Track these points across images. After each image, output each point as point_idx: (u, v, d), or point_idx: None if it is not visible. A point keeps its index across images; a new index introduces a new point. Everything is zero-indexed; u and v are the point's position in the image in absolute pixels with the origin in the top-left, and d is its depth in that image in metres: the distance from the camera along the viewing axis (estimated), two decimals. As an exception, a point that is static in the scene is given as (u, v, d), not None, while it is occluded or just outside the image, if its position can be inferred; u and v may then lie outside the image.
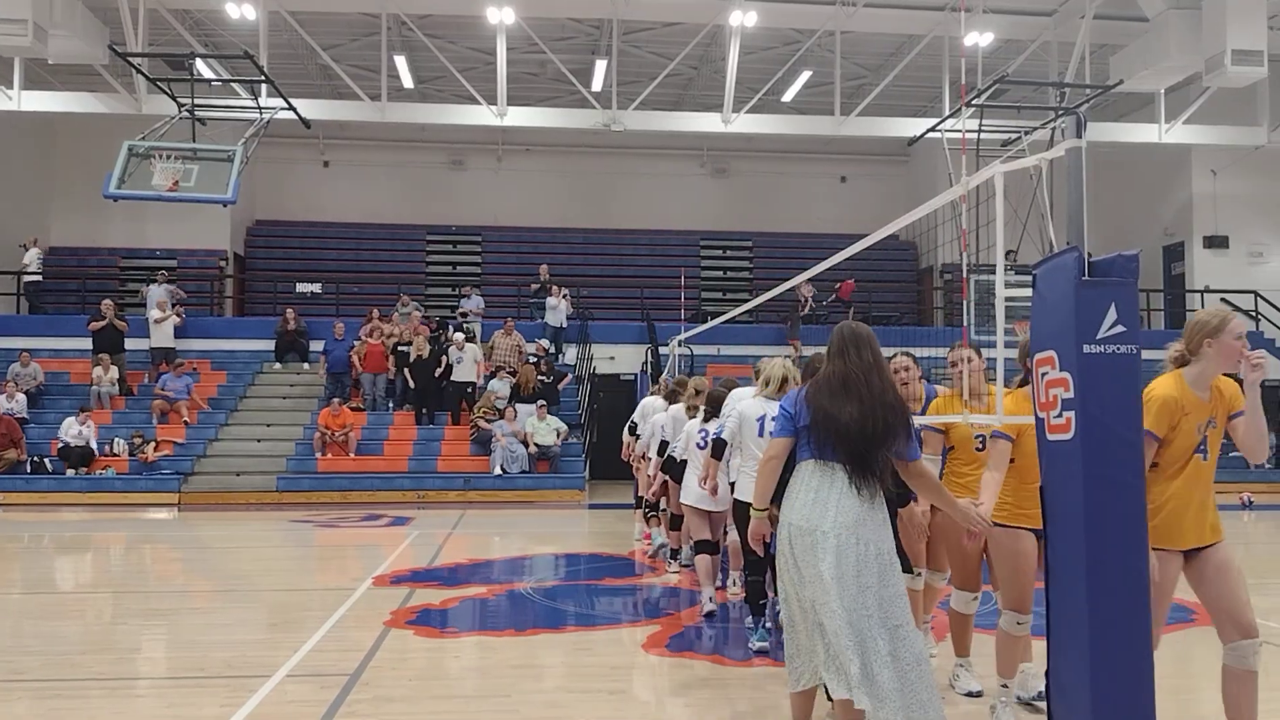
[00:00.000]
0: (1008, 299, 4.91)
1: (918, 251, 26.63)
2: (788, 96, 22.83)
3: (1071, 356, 3.87)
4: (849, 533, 4.01)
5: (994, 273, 5.02)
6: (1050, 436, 4.03)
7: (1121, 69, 18.89)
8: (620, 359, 21.43)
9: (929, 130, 18.93)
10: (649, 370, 19.29)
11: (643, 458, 10.65)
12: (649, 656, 6.40)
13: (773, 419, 4.97)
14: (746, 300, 16.94)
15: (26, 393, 18.35)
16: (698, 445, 7.62)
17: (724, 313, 17.35)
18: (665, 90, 22.32)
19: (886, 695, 3.85)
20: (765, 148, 26.51)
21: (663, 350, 19.60)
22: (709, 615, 7.39)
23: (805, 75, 21.74)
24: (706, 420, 7.59)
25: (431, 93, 23.85)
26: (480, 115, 20.56)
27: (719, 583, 8.08)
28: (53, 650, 6.61)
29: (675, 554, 9.61)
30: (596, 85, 21.64)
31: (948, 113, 19.86)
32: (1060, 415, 3.95)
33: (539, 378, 19.01)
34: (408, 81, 22.41)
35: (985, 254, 5.80)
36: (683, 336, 17.43)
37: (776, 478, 4.36)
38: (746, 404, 6.58)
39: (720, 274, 27.20)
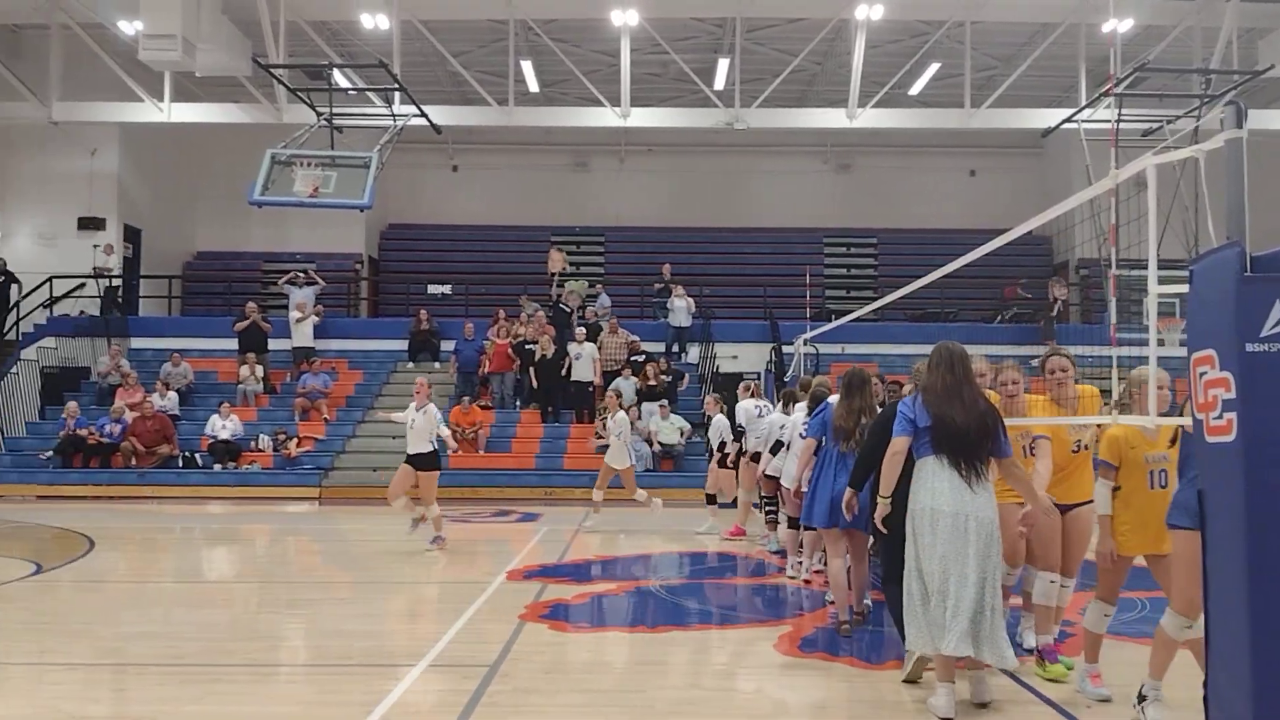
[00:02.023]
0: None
1: (1052, 247, 25.79)
2: (915, 90, 22.40)
3: (1233, 356, 3.72)
4: (966, 514, 4.98)
5: (1143, 269, 4.85)
6: (1209, 439, 3.87)
7: (1272, 54, 17.93)
8: (743, 358, 21.35)
9: (1065, 121, 18.33)
10: (773, 369, 19.18)
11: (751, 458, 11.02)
12: (781, 656, 6.38)
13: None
14: (872, 298, 16.70)
15: (178, 391, 19.33)
16: (800, 435, 8.45)
17: (848, 311, 17.14)
18: (788, 87, 22.14)
19: (986, 641, 4.93)
20: (890, 142, 26.06)
21: (786, 349, 19.47)
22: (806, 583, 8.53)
23: (933, 67, 21.30)
24: (810, 413, 8.09)
25: (556, 96, 24.20)
26: (604, 117, 20.78)
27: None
28: (206, 637, 6.96)
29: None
30: (719, 84, 21.63)
31: (1084, 102, 19.21)
32: (1220, 416, 3.79)
33: (661, 376, 19.08)
34: (533, 85, 22.80)
35: (1134, 249, 5.60)
36: (808, 335, 17.26)
37: (900, 470, 5.29)
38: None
39: (844, 271, 26.86)
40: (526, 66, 21.70)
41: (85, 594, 8.90)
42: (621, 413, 13.80)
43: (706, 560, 10.68)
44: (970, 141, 25.45)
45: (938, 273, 9.99)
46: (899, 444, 5.27)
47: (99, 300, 22.00)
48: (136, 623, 7.59)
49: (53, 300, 22.07)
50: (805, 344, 17.80)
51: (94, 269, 21.76)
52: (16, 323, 21.59)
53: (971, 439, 5.08)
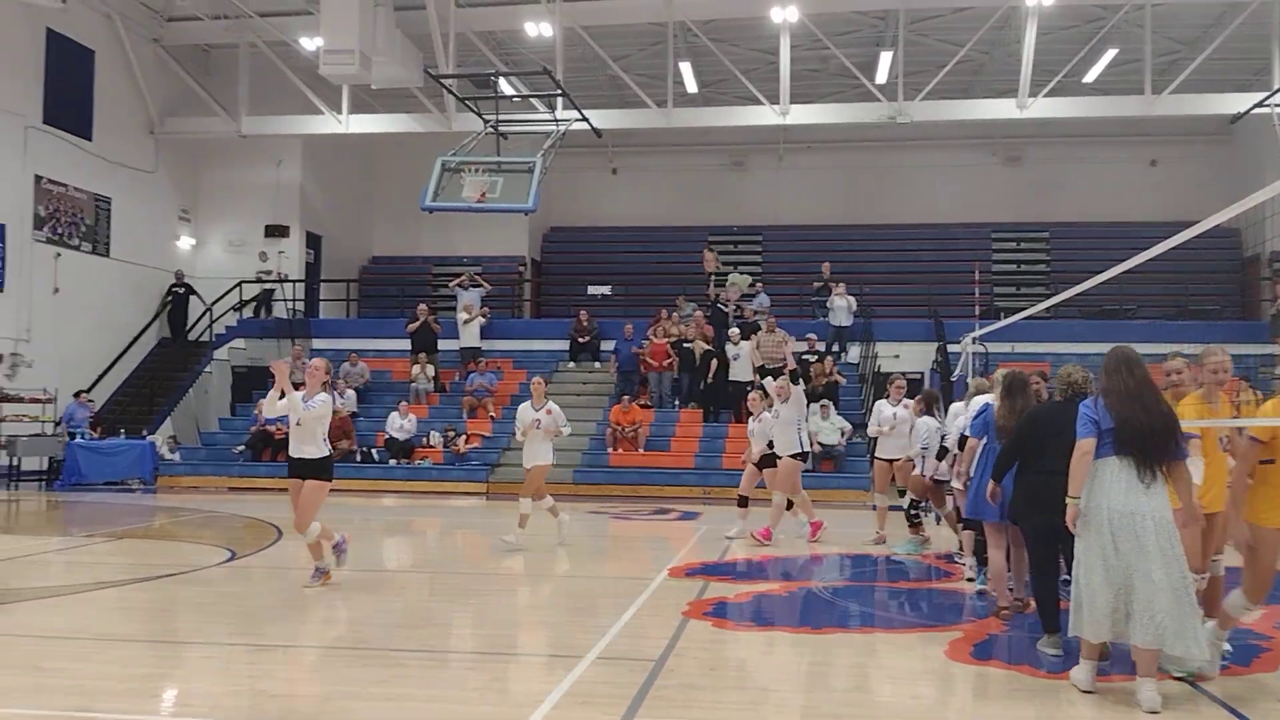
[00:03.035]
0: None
1: (1241, 239, 24.24)
2: (1089, 77, 21.45)
3: None
4: (1143, 514, 5.16)
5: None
6: None
7: None
8: (906, 357, 20.88)
9: (1256, 105, 17.19)
10: (938, 369, 18.68)
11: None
12: (952, 663, 6.21)
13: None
14: (1043, 295, 16.05)
15: (355, 389, 20.27)
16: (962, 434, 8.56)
17: (1019, 309, 16.52)
18: (953, 78, 21.55)
19: (1173, 634, 5.05)
20: (1063, 132, 25.03)
21: (952, 348, 18.93)
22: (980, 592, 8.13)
23: (1110, 53, 20.35)
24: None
25: (714, 96, 24.24)
26: (763, 115, 20.70)
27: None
28: (383, 623, 7.28)
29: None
30: (881, 78, 21.23)
31: (1278, 85, 17.98)
32: None
33: (825, 376, 18.86)
34: (691, 86, 22.91)
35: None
36: (977, 334, 16.73)
37: (1086, 470, 5.37)
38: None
39: (1014, 267, 25.94)
40: (685, 68, 21.82)
41: (273, 580, 9.43)
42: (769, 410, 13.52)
43: (871, 563, 10.50)
44: (1150, 130, 24.21)
45: (1117, 268, 9.54)
46: (1086, 445, 5.38)
47: (284, 304, 23.33)
48: (320, 608, 8.00)
49: (242, 304, 23.51)
50: (973, 343, 17.25)
51: (257, 274, 23.17)
52: (210, 325, 23.10)
53: (1153, 441, 5.24)
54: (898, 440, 11.25)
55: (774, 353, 19.90)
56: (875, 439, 11.69)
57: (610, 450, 18.56)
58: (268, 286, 23.54)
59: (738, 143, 26.83)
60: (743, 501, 12.02)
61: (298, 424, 8.19)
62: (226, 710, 5.12)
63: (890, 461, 11.35)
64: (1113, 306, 21.76)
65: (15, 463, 18.46)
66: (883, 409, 11.61)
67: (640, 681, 5.49)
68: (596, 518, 14.66)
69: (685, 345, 19.97)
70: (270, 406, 8.26)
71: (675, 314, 21.25)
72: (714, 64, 21.86)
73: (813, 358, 19.72)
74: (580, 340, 21.60)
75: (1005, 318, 16.69)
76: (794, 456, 11.24)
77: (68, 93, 20.33)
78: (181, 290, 22.64)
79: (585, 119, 18.97)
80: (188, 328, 22.62)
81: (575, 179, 27.04)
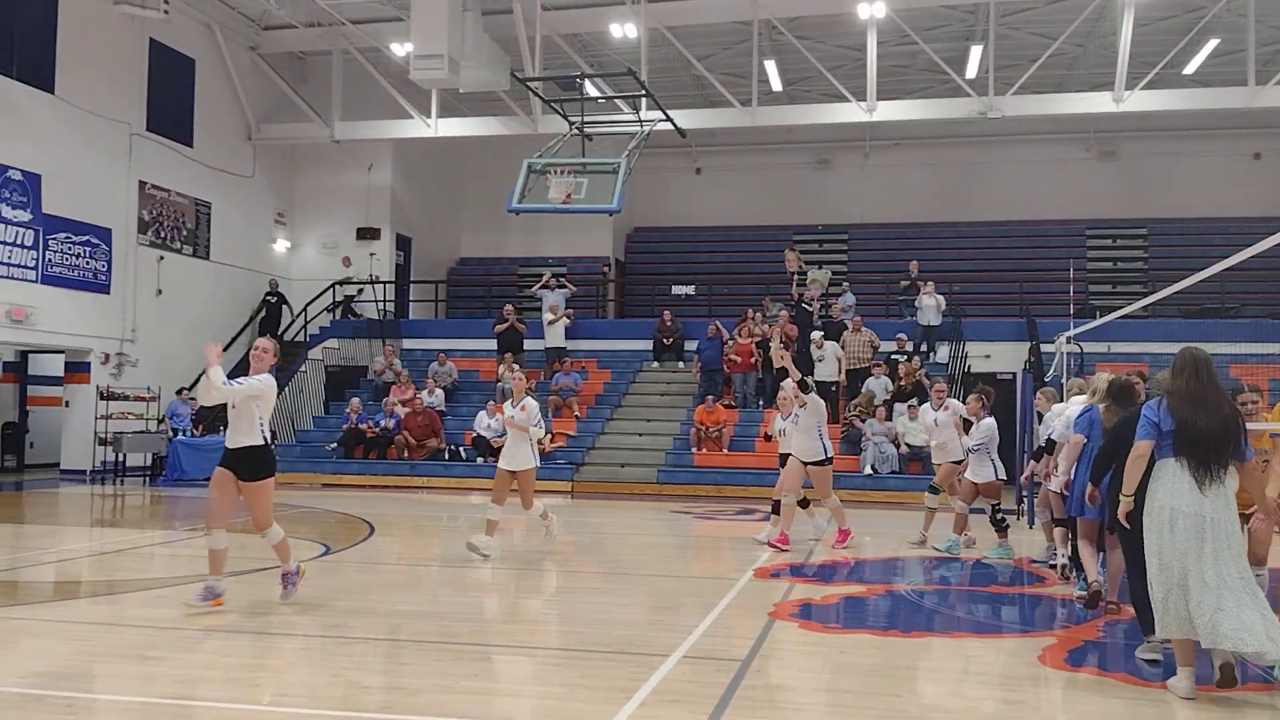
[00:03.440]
0: None
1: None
2: (1190, 69, 20.78)
3: None
4: (1203, 515, 5.26)
5: None
6: None
7: None
8: (997, 357, 20.47)
9: (1370, 94, 16.43)
10: (1030, 369, 18.25)
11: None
12: (1046, 669, 6.08)
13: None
14: (1141, 293, 15.58)
15: (444, 388, 20.61)
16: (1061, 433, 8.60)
17: (1114, 307, 16.09)
18: (1046, 71, 21.06)
19: (1245, 630, 5.08)
20: (1161, 126, 24.29)
21: (1045, 348, 18.50)
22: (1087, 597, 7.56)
23: (1211, 44, 19.70)
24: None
25: (799, 94, 24.07)
26: (849, 112, 20.50)
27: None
28: (473, 618, 7.41)
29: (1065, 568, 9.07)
30: (971, 72, 20.87)
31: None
32: None
33: (913, 376, 18.59)
34: (776, 84, 22.78)
35: None
36: (1072, 333, 16.32)
37: (1141, 471, 5.52)
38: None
39: (1109, 265, 25.24)
40: (770, 66, 21.71)
41: (365, 574, 9.65)
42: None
43: (960, 566, 10.32)
44: (1254, 122, 23.34)
45: (1217, 265, 9.22)
46: (1142, 448, 5.53)
47: (375, 305, 23.84)
48: (411, 602, 8.18)
49: (335, 305, 24.08)
50: (1068, 342, 16.84)
51: (336, 284, 23.71)
52: (304, 325, 23.73)
53: (1213, 443, 5.35)
54: (944, 445, 11.18)
55: (861, 353, 19.73)
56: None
57: (694, 450, 18.56)
58: (348, 293, 24.08)
59: (823, 140, 26.59)
60: (803, 503, 11.62)
61: (231, 407, 7.30)
62: (323, 700, 5.25)
63: (955, 464, 11.23)
64: (1214, 305, 21.03)
65: (121, 458, 19.21)
66: (926, 414, 11.44)
67: (726, 681, 5.49)
68: (680, 518, 14.67)
69: (769, 346, 19.86)
70: (204, 393, 7.31)
71: (761, 314, 21.15)
72: (799, 61, 21.70)
73: (901, 357, 19.48)
74: (664, 340, 21.64)
75: (1101, 316, 16.27)
76: (819, 463, 10.89)
77: (170, 101, 21.07)
78: (274, 300, 23.25)
79: (669, 119, 18.97)
80: (280, 334, 23.18)
81: (659, 179, 27.09)
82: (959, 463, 11.21)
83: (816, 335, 19.30)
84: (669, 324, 21.71)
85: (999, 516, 10.69)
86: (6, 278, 17.44)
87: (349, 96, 22.79)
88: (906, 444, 17.49)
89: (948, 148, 26.02)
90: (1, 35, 17.36)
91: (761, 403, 20.05)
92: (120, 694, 5.31)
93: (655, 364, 21.70)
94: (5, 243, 17.42)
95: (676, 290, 24.77)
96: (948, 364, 20.31)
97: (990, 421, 10.46)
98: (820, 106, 21.74)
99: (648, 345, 21.91)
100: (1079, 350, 17.94)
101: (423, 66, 18.15)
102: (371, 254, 24.78)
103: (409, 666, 6.05)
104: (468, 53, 18.69)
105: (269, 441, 7.37)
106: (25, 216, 17.80)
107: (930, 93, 22.72)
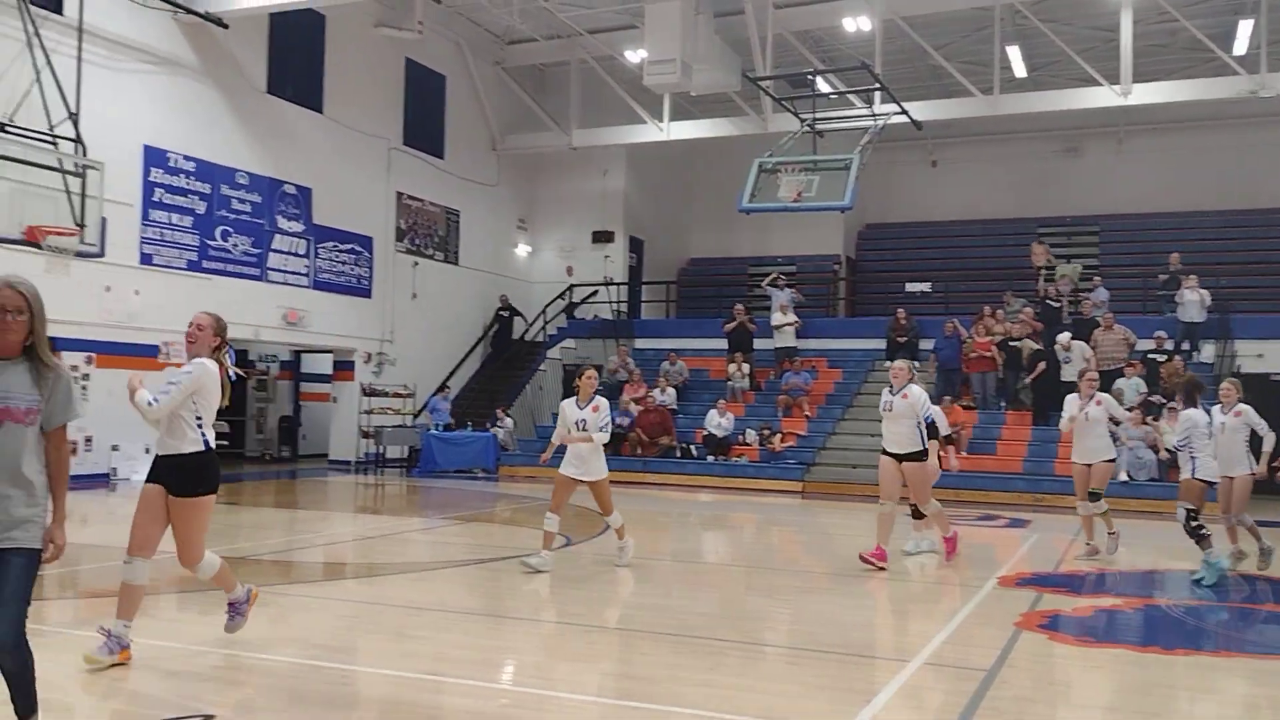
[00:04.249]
0: None
1: None
2: None
3: None
4: None
5: None
6: None
7: None
8: (1269, 356, 18.73)
9: None
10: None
11: None
12: (1333, 698, 5.53)
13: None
14: None
15: (675, 387, 20.94)
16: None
17: None
18: (1330, 43, 19.10)
19: None
20: None
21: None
22: None
23: None
24: None
25: (1045, 79, 22.87)
26: (1100, 97, 19.32)
27: None
28: (703, 613, 7.48)
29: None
30: (1239, 49, 19.19)
31: None
32: None
33: (1176, 376, 17.29)
34: (1020, 71, 21.77)
35: None
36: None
37: None
38: None
39: None
40: (1013, 51, 20.78)
41: (601, 567, 9.93)
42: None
43: (1227, 581, 9.51)
44: None
45: None
46: None
47: (609, 306, 24.54)
48: (644, 595, 8.36)
49: (571, 306, 24.94)
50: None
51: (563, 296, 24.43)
52: (543, 326, 24.74)
53: None
54: (1092, 442, 10.26)
55: (1113, 352, 18.52)
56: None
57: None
58: (574, 299, 24.87)
59: (1071, 127, 25.16)
60: (916, 513, 10.62)
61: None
62: (566, 684, 5.46)
63: (1088, 465, 10.32)
64: None
65: (381, 450, 20.64)
66: (1070, 405, 10.49)
67: (971, 690, 5.30)
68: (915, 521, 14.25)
69: (1011, 344, 19.00)
70: (146, 419, 5.57)
71: (1001, 311, 20.26)
72: (1044, 45, 20.65)
73: (1160, 357, 18.16)
74: (898, 339, 21.08)
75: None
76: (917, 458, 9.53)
77: (423, 116, 22.47)
78: (506, 314, 24.26)
79: (904, 112, 18.49)
80: (512, 344, 24.01)
81: (892, 174, 26.45)
82: (1112, 461, 10.52)
83: (1063, 337, 18.27)
84: (903, 322, 21.14)
85: (1195, 524, 9.18)
86: (283, 284, 19.10)
87: (585, 105, 23.56)
88: (1167, 449, 16.26)
89: (1213, 131, 24.04)
90: (279, 64, 19.02)
91: (1003, 404, 19.22)
92: (383, 668, 5.71)
93: (889, 363, 21.10)
94: (282, 251, 19.08)
95: (911, 287, 24.11)
96: (1213, 364, 18.77)
97: (1191, 414, 9.38)
98: (1068, 92, 20.56)
99: (880, 344, 21.41)
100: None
101: (656, 72, 18.50)
102: (606, 256, 25.49)
103: (645, 657, 6.20)
104: (700, 56, 18.89)
105: (210, 447, 5.63)
106: (299, 227, 19.46)
107: (1192, 72, 21.04)
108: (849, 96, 19.90)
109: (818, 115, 18.12)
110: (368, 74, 20.94)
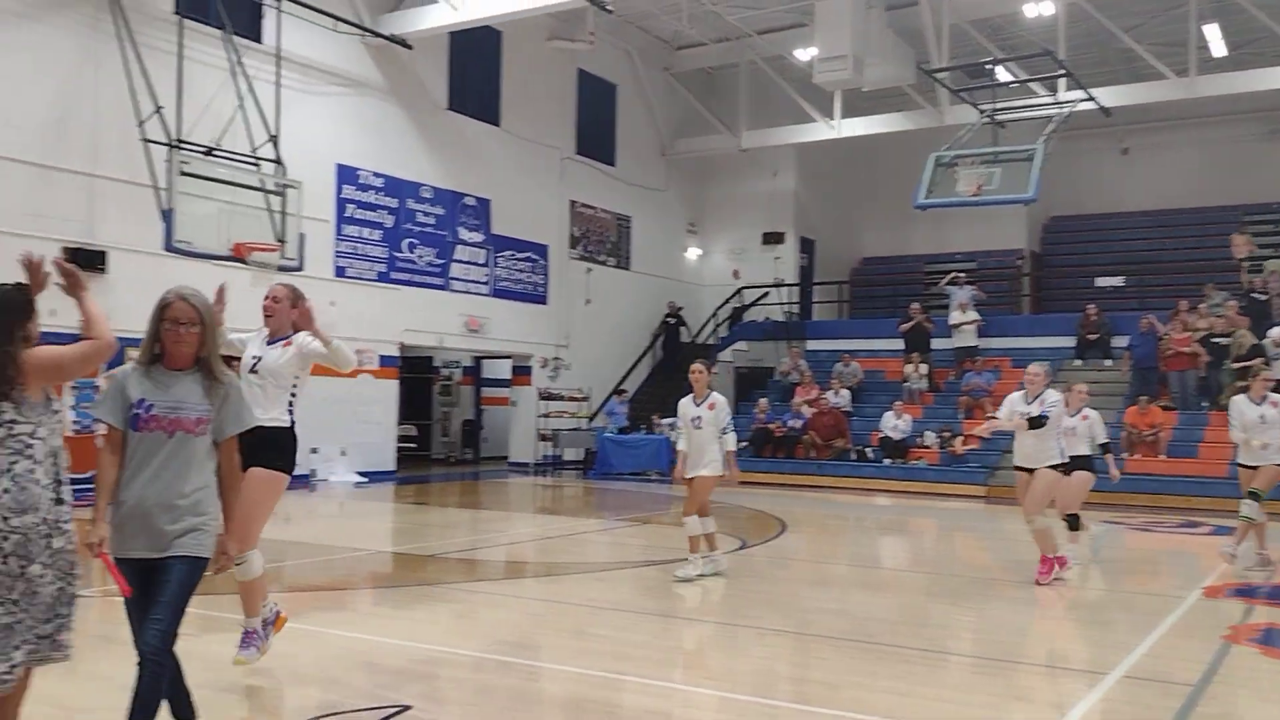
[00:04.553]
0: None
1: None
2: None
3: None
4: None
5: None
6: None
7: None
8: None
9: None
10: None
11: None
12: None
13: None
14: None
15: (849, 389, 20.59)
16: None
17: None
18: None
19: None
20: None
21: None
22: None
23: None
24: None
25: (1246, 58, 21.32)
26: (1311, 73, 17.89)
27: None
28: (882, 619, 7.31)
29: None
30: None
31: None
32: None
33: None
34: (1219, 50, 20.40)
35: None
36: None
37: None
38: None
39: None
40: (1210, 30, 19.47)
41: (777, 570, 9.87)
42: None
43: None
44: None
45: None
46: None
47: (781, 308, 24.37)
48: (821, 599, 8.25)
49: (741, 308, 24.89)
50: None
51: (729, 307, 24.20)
52: (714, 329, 24.78)
53: None
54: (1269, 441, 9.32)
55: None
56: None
57: (1126, 455, 17.04)
58: (736, 303, 24.74)
59: (1276, 109, 23.38)
60: (1073, 523, 9.87)
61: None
62: (745, 686, 5.44)
63: (1252, 469, 9.50)
64: None
65: (558, 453, 21.13)
66: (1244, 409, 9.50)
67: (1177, 706, 4.99)
68: (1110, 528, 13.55)
69: (1214, 340, 17.81)
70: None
71: (1202, 305, 19.03)
72: (1247, 22, 19.25)
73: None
74: (1088, 336, 20.10)
75: None
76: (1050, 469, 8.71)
77: (594, 124, 22.89)
78: (673, 321, 24.34)
79: (1092, 98, 17.65)
80: (682, 349, 24.01)
81: (1079, 163, 25.19)
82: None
83: (1275, 333, 17.02)
84: (1094, 318, 20.13)
85: None
86: (464, 292, 19.81)
87: (754, 106, 23.47)
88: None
89: None
90: (458, 81, 19.75)
91: (1205, 403, 18.04)
92: (565, 665, 5.84)
93: (1078, 362, 20.20)
94: (463, 261, 19.80)
95: (1101, 282, 22.94)
96: None
97: None
98: (1274, 70, 19.13)
99: (1069, 342, 20.44)
100: None
101: (826, 69, 18.25)
102: (776, 258, 25.31)
103: (825, 661, 6.11)
104: (871, 50, 18.52)
105: (294, 425, 5.51)
106: (479, 237, 20.14)
107: None
108: (1031, 85, 19.13)
109: (997, 105, 17.51)
110: (541, 86, 21.49)
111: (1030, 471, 8.66)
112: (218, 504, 3.82)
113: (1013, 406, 8.71)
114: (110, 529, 3.70)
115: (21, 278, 3.76)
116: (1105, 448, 10.27)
